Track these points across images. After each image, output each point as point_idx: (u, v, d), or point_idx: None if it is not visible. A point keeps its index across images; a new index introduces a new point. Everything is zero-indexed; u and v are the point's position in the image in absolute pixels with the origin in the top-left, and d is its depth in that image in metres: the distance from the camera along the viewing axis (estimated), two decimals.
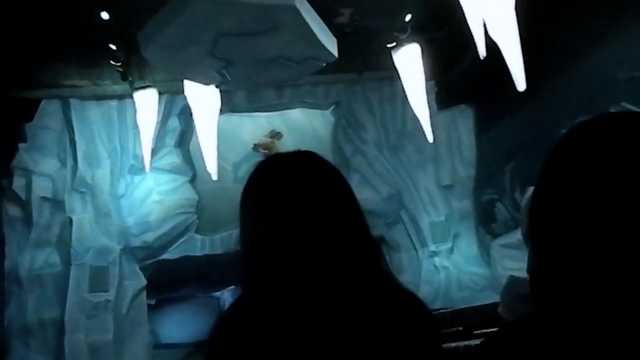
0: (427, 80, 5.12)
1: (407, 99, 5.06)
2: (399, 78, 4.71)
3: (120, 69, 3.64)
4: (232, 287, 6.36)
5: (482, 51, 2.98)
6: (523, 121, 4.61)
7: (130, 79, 3.67)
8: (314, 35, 2.07)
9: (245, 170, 5.12)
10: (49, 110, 4.35)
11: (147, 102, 3.66)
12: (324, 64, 2.45)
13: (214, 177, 3.71)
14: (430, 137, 3.62)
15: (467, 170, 5.09)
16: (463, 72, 4.90)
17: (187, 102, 3.77)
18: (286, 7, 1.96)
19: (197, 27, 1.99)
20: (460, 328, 3.31)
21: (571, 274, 0.67)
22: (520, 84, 2.95)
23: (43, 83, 4.14)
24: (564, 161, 0.71)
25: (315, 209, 0.95)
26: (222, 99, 4.74)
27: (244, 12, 1.95)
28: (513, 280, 1.47)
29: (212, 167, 3.54)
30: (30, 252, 4.36)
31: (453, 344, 3.09)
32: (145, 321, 4.67)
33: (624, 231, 0.64)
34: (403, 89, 5.04)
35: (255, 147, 5.03)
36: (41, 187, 4.34)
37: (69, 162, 4.44)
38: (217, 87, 2.61)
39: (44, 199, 4.37)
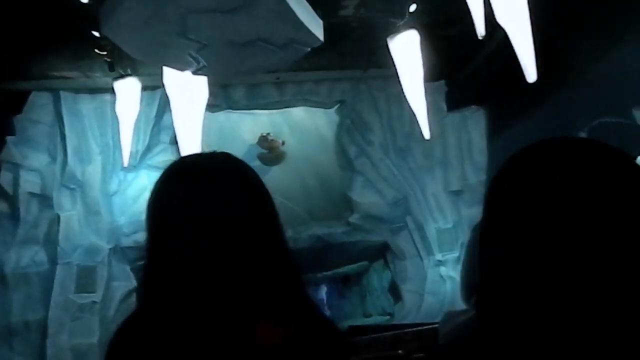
0: (437, 79, 4.87)
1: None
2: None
3: (108, 59, 3.45)
4: None
5: (480, 30, 2.71)
6: (539, 123, 4.31)
7: (118, 69, 3.48)
8: (294, 14, 1.85)
9: None
10: (39, 103, 4.19)
11: (127, 92, 3.47)
12: (309, 49, 2.23)
13: None
14: (427, 134, 3.35)
15: (478, 175, 4.80)
16: (475, 71, 4.62)
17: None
18: None
19: (160, 1, 1.78)
20: (400, 352, 3.33)
21: (521, 291, 0.66)
22: (531, 75, 2.68)
23: (32, 74, 3.98)
24: (508, 191, 0.72)
25: (231, 222, 0.88)
26: (220, 94, 4.57)
27: None
28: (450, 313, 1.39)
29: None
30: (16, 250, 4.19)
31: None
32: None
33: (572, 250, 0.63)
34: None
35: (260, 140, 4.81)
36: (29, 182, 4.18)
37: (59, 157, 4.27)
38: (194, 73, 2.40)
39: (32, 194, 4.20)
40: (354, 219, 4.77)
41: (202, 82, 3.37)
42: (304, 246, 4.71)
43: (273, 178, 4.92)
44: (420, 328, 3.69)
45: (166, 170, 0.97)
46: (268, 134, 4.79)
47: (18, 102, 4.08)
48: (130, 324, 0.94)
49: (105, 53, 3.43)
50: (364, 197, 4.77)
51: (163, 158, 4.56)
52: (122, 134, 3.55)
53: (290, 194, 4.92)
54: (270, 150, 4.78)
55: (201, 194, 0.90)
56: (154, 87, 4.25)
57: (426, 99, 4.83)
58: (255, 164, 4.86)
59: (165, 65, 2.53)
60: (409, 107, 4.84)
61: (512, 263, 0.67)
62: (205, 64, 2.25)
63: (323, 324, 0.94)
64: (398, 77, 4.75)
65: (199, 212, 0.88)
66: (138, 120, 4.49)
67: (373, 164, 4.80)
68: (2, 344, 4.13)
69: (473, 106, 4.83)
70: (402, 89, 4.79)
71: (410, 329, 3.70)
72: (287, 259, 0.93)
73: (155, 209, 0.94)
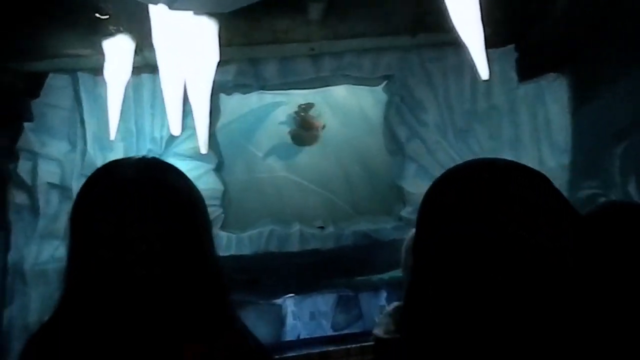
0: (504, 44, 4.10)
1: (477, 70, 4.04)
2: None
3: (112, 27, 3.06)
4: (292, 295, 5.66)
5: None
6: (637, 88, 3.41)
7: (111, 28, 3.07)
8: None
9: (280, 158, 4.39)
10: (58, 86, 3.92)
11: (118, 52, 3.04)
12: None
13: (204, 150, 3.00)
14: (485, 73, 2.61)
15: (559, 158, 3.93)
16: (551, 30, 3.79)
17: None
18: None
19: None
20: None
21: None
22: None
23: (45, 53, 3.71)
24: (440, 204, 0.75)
25: (153, 238, 0.84)
26: (250, 72, 4.08)
27: None
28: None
29: (175, 126, 2.80)
30: (36, 244, 3.92)
31: None
32: None
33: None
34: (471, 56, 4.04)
35: (300, 110, 4.29)
36: (48, 172, 3.90)
37: (79, 145, 3.97)
38: (170, 8, 1.90)
39: (51, 185, 3.92)
40: (406, 212, 4.07)
41: (210, 42, 2.88)
42: (347, 244, 4.09)
43: (312, 166, 4.35)
44: (348, 346, 3.55)
45: (89, 179, 0.93)
46: (313, 105, 4.25)
47: (34, 84, 3.82)
48: (42, 334, 0.95)
49: (107, 17, 3.03)
50: (418, 186, 4.06)
51: (190, 145, 4.14)
52: (110, 103, 3.13)
53: (331, 184, 4.33)
54: (305, 129, 4.23)
55: (124, 208, 0.86)
56: None
57: (492, 67, 4.06)
58: (285, 141, 4.32)
59: None
60: (470, 79, 4.11)
61: (439, 266, 0.69)
62: None
63: (248, 345, 0.91)
64: (455, 45, 4.03)
65: (121, 227, 0.85)
66: (162, 104, 4.13)
67: (428, 148, 4.08)
68: (21, 346, 3.85)
69: (551, 74, 3.98)
70: (461, 59, 4.07)
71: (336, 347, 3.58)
72: (215, 277, 0.90)
73: (77, 224, 0.90)
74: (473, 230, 0.68)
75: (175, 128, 2.74)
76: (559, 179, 3.95)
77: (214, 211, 4.16)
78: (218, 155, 4.24)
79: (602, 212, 1.11)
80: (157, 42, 2.53)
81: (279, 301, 5.92)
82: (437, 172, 3.88)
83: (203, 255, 0.90)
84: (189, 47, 2.73)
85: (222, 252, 4.17)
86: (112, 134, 3.18)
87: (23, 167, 3.89)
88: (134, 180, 0.89)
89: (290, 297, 5.71)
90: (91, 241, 0.87)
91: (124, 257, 0.84)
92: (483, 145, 4.06)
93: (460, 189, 0.74)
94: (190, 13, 2.69)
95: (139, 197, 0.87)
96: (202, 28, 2.88)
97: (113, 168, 0.93)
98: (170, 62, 2.55)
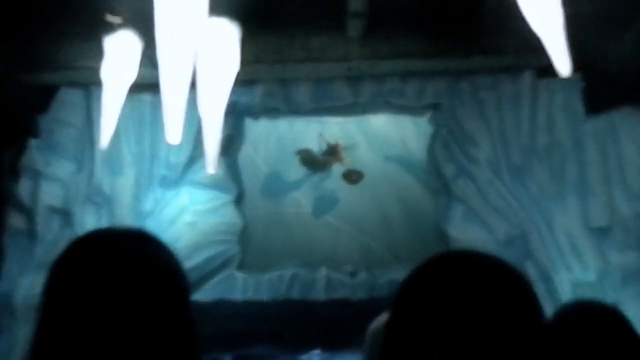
0: (571, 72, 3.61)
1: (537, 100, 3.57)
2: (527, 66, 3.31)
3: (115, 23, 2.73)
4: (318, 351, 5.06)
5: None
6: None
7: (109, 21, 2.73)
8: None
9: (309, 193, 3.92)
10: (69, 101, 3.60)
11: (120, 50, 2.66)
12: None
13: (211, 170, 2.64)
14: (565, 70, 2.12)
15: (634, 204, 3.36)
16: (624, 57, 3.31)
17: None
18: None
19: None
20: None
21: None
22: None
23: (57, 64, 3.40)
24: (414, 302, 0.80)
25: (132, 311, 0.89)
26: (279, 95, 3.71)
27: None
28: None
29: (174, 133, 2.36)
30: (31, 275, 3.48)
31: None
32: None
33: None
34: (531, 84, 3.57)
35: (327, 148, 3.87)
36: (50, 195, 3.52)
37: (87, 166, 3.60)
38: None
39: (52, 209, 3.53)
40: None
41: (228, 48, 2.51)
42: (381, 295, 3.54)
43: (344, 204, 3.87)
44: None
45: (69, 248, 0.95)
46: (337, 143, 3.82)
47: (44, 98, 3.50)
48: None
49: (119, 19, 2.70)
50: (465, 232, 3.53)
51: (209, 173, 3.74)
52: (105, 107, 2.74)
53: (366, 224, 3.82)
54: (328, 154, 3.82)
55: (105, 281, 0.89)
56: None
57: (555, 98, 3.59)
58: (314, 174, 3.86)
59: None
60: (529, 110, 3.62)
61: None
62: None
63: None
64: (512, 71, 3.58)
65: (98, 299, 0.87)
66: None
67: (478, 188, 3.57)
68: None
69: (625, 107, 3.46)
70: (518, 88, 3.61)
71: None
72: (189, 342, 0.94)
73: (53, 290, 0.90)
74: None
75: (173, 136, 2.35)
76: (634, 229, 3.35)
77: (230, 249, 3.70)
78: (239, 185, 3.81)
79: (568, 316, 1.17)
80: (160, 38, 2.16)
81: (304, 357, 5.34)
82: (489, 216, 3.30)
83: (179, 320, 0.94)
84: (203, 52, 2.37)
85: (237, 295, 3.67)
86: (105, 142, 2.78)
87: (24, 187, 3.52)
88: (118, 248, 0.95)
89: (317, 353, 5.13)
90: (70, 296, 0.88)
91: (99, 315, 0.86)
92: (543, 187, 3.52)
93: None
94: (206, 14, 2.33)
95: (121, 265, 0.92)
96: (220, 32, 2.53)
97: (100, 236, 0.99)
98: (173, 61, 2.17)
